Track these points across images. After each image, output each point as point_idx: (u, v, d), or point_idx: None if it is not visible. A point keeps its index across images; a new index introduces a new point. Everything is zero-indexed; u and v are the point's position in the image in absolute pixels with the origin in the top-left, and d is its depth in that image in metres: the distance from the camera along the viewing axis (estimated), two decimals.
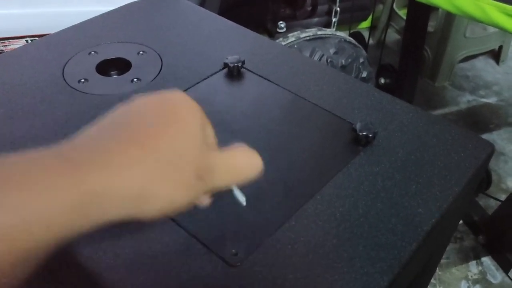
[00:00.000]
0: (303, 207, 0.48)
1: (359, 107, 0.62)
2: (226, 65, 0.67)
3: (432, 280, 1.24)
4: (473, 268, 1.31)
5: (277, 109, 0.61)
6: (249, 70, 0.68)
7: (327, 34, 1.30)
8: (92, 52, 0.70)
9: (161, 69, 0.67)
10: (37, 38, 0.97)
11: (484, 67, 2.07)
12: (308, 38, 1.26)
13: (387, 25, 1.95)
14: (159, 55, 0.70)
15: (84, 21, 0.77)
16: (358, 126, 0.56)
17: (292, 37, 1.26)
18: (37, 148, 0.27)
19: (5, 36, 0.96)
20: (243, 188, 0.37)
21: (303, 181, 0.51)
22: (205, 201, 0.37)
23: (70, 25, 0.77)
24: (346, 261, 0.43)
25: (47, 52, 0.70)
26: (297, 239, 0.45)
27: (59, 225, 0.26)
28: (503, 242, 1.31)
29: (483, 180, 1.44)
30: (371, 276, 0.42)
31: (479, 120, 1.81)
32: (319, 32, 1.29)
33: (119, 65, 0.68)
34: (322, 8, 1.75)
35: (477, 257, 1.34)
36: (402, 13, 1.99)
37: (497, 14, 0.89)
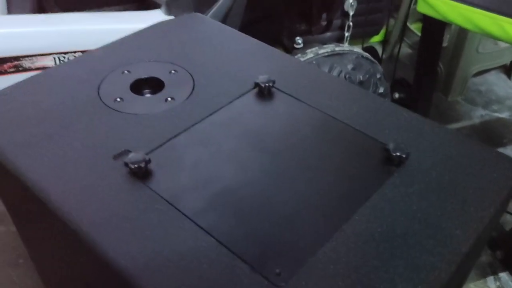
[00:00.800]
0: (342, 227, 0.49)
1: (389, 127, 0.63)
2: (257, 84, 0.68)
3: None
4: (491, 283, 1.31)
5: (308, 128, 0.62)
6: (279, 90, 0.69)
7: (345, 50, 1.32)
8: (125, 71, 0.71)
9: (193, 88, 0.68)
10: (64, 55, 0.99)
11: (496, 82, 2.08)
12: (326, 54, 1.28)
13: (401, 40, 1.96)
14: (190, 74, 0.71)
15: (116, 40, 0.79)
16: (391, 146, 0.57)
17: (310, 53, 1.27)
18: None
19: (32, 53, 0.98)
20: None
21: (339, 201, 0.52)
22: None
23: (97, 42, 0.79)
24: (387, 282, 0.44)
25: (82, 72, 0.71)
26: (338, 259, 0.46)
27: None
28: None
29: None
30: None
31: (493, 135, 1.81)
32: (337, 48, 1.30)
33: (152, 84, 0.69)
34: (335, 22, 1.77)
35: (494, 272, 1.33)
36: (414, 27, 2.00)
37: None
